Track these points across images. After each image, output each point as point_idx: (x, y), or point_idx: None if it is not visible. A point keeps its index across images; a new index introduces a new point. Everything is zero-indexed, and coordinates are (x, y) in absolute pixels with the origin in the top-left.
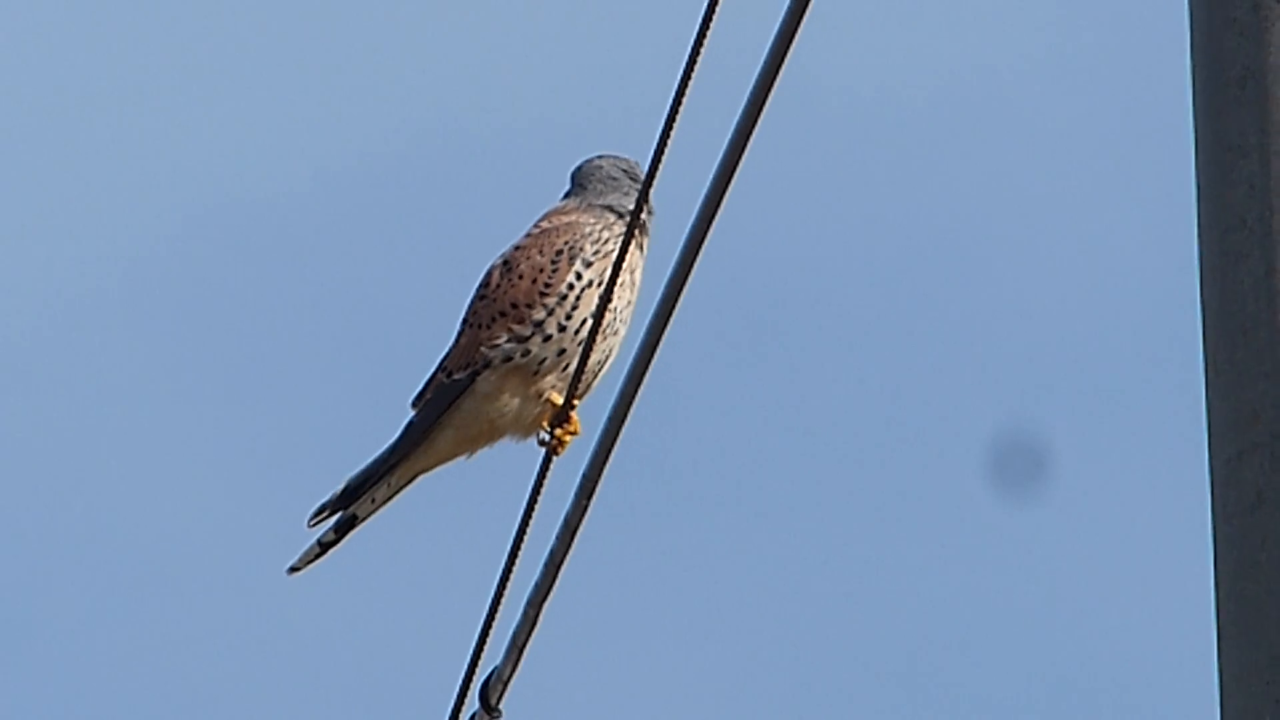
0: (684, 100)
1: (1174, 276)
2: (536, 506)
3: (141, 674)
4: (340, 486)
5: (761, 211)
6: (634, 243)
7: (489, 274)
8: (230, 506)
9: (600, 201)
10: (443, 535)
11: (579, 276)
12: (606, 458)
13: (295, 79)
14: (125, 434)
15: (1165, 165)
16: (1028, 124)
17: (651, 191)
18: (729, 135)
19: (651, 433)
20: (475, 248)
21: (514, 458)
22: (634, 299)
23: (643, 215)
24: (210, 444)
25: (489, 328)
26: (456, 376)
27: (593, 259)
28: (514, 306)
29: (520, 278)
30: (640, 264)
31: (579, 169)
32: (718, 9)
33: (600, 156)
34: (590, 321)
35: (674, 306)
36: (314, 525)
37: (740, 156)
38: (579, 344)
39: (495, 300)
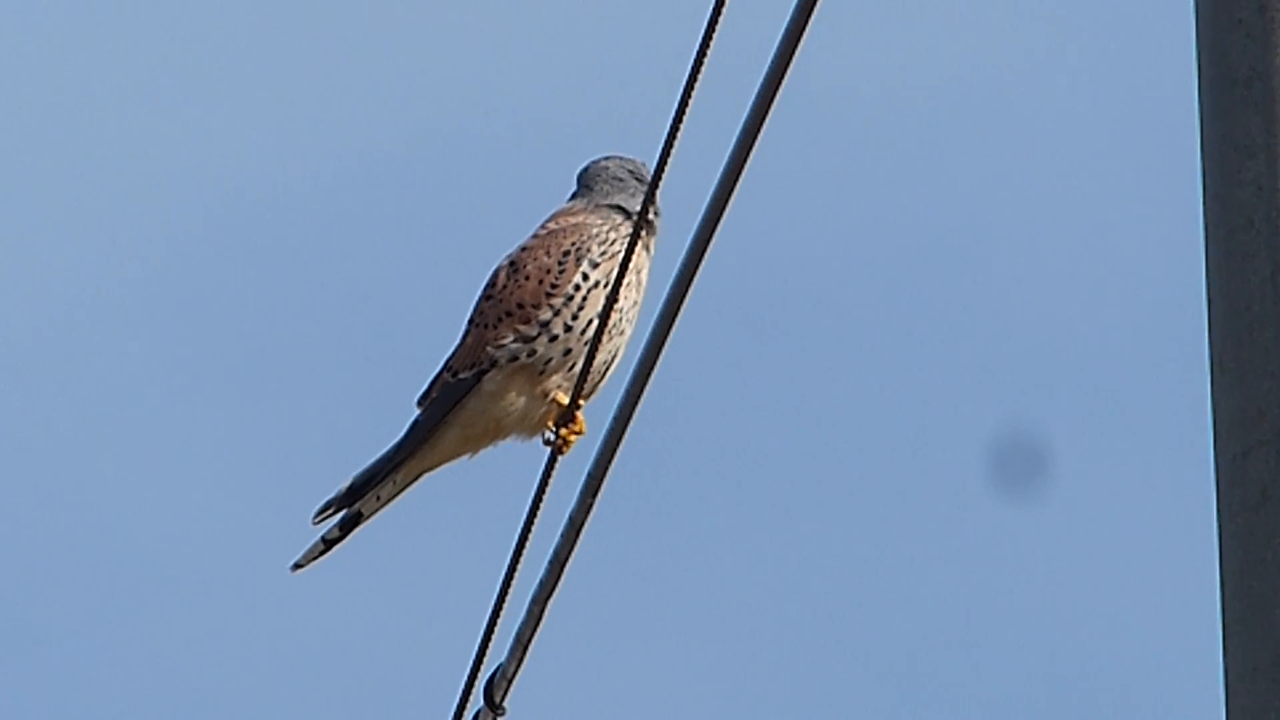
0: (690, 101)
1: (1180, 276)
2: (541, 505)
3: (146, 671)
4: (345, 484)
5: (766, 212)
6: (640, 243)
7: (495, 274)
8: (235, 503)
9: (607, 202)
10: (447, 533)
11: (585, 277)
12: (611, 457)
13: (302, 79)
14: (131, 431)
15: (1171, 166)
16: (1033, 124)
17: (658, 192)
18: (735, 136)
19: (656, 433)
20: (482, 248)
21: (519, 457)
22: (640, 299)
23: (649, 216)
24: (216, 441)
25: (495, 328)
26: (462, 376)
27: (599, 260)
28: (520, 307)
29: (527, 278)
30: (646, 265)
31: (585, 170)
32: (724, 10)
33: (607, 157)
34: (596, 322)
35: (679, 307)
36: (318, 522)
37: (746, 158)
38: (585, 344)
39: (502, 300)
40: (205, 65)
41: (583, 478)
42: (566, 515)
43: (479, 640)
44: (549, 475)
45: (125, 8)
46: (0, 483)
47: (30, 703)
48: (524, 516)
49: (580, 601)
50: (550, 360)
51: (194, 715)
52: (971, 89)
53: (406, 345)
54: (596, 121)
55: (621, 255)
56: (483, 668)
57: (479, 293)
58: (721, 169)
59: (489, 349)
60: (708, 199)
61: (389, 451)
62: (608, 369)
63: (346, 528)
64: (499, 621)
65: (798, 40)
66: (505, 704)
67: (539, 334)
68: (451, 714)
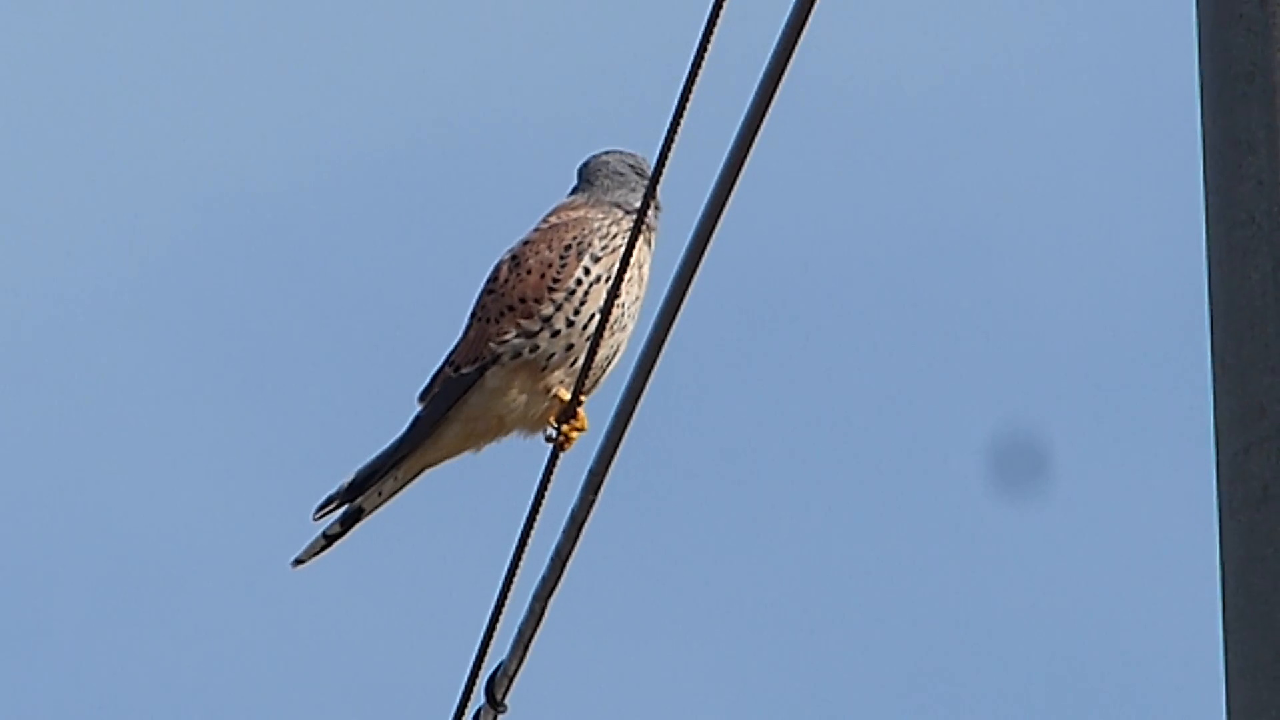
0: (691, 96)
1: (1181, 272)
2: (543, 501)
3: (147, 669)
4: (346, 480)
5: (767, 208)
6: (641, 238)
7: (497, 269)
8: (236, 499)
9: (608, 197)
10: (449, 529)
11: (587, 271)
12: (613, 453)
13: (301, 76)
14: (132, 428)
15: (1173, 161)
16: (1034, 120)
17: (659, 187)
18: (735, 131)
19: (658, 429)
20: (483, 243)
21: (521, 453)
22: (642, 294)
23: (650, 211)
24: (217, 437)
25: (497, 322)
26: (464, 371)
27: (601, 254)
28: (522, 301)
29: (528, 273)
30: (648, 259)
31: (586, 164)
32: (725, 5)
33: (607, 152)
34: (598, 317)
35: (681, 302)
36: (320, 518)
37: (747, 152)
38: (587, 339)
39: (503, 295)
40: (205, 65)
41: (584, 474)
42: (568, 512)
43: (480, 637)
44: (551, 471)
45: (125, 8)
46: (1, 481)
47: (32, 702)
48: (526, 513)
49: (582, 599)
50: (552, 355)
51: (196, 712)
52: (972, 84)
53: (408, 340)
54: (597, 116)
55: (623, 250)
56: (484, 665)
57: (481, 287)
58: (722, 164)
59: (491, 344)
60: (708, 194)
61: (390, 447)
62: (609, 364)
63: (348, 523)
64: (500, 618)
65: (798, 35)
66: (507, 701)
67: (541, 329)
68: (453, 711)
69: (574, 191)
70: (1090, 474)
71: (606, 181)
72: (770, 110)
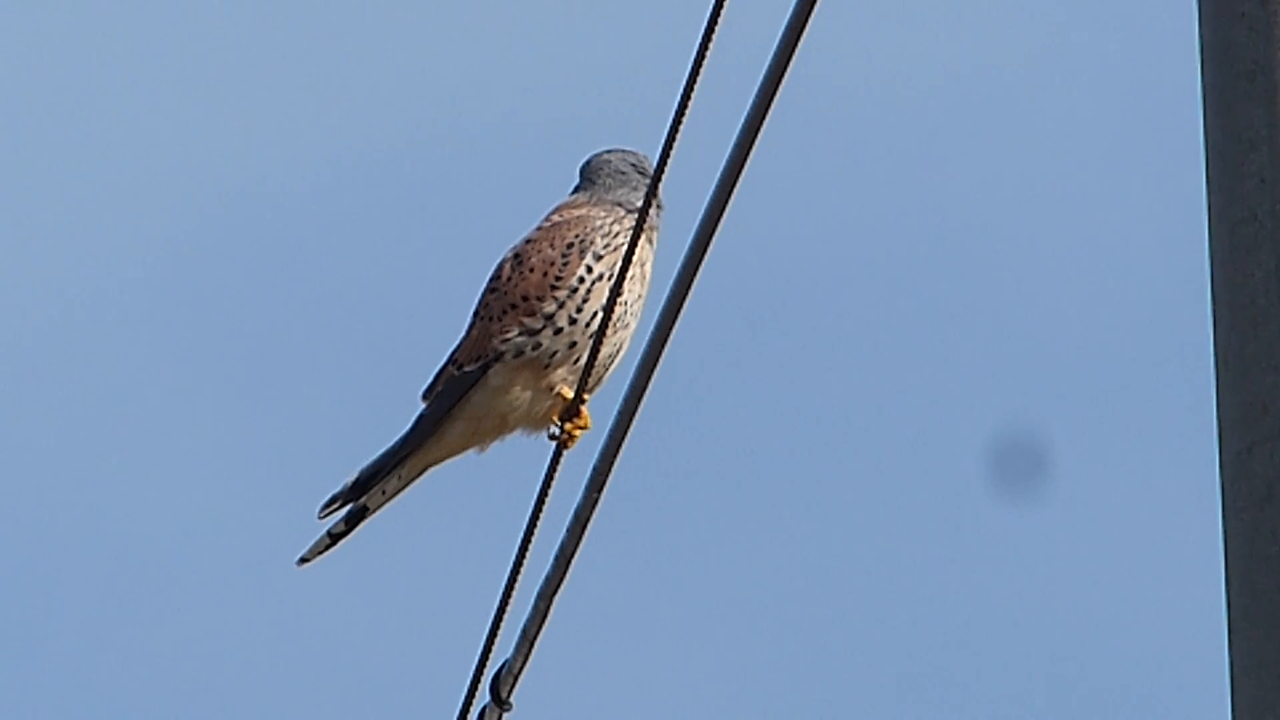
0: (692, 95)
1: (1184, 270)
2: (547, 500)
3: (151, 667)
4: (351, 478)
5: (769, 206)
6: (644, 236)
7: (500, 267)
8: (241, 498)
9: (610, 196)
10: (453, 528)
11: (589, 270)
12: (617, 451)
13: (303, 76)
14: (135, 427)
15: (1175, 159)
16: (1035, 119)
17: (660, 186)
18: (737, 130)
19: (661, 427)
20: (486, 241)
21: (524, 451)
22: (644, 293)
23: (652, 209)
24: (221, 437)
25: (500, 320)
26: (467, 369)
27: (603, 252)
28: (525, 299)
29: (531, 271)
30: (650, 258)
31: (588, 163)
32: (726, 4)
33: (610, 151)
34: (601, 315)
35: (683, 301)
36: (324, 516)
37: (749, 151)
38: (590, 337)
39: (506, 293)
40: (207, 65)
41: (588, 472)
42: (572, 510)
43: (485, 635)
44: (554, 470)
45: (127, 8)
46: (2, 481)
47: (35, 701)
48: (529, 511)
49: (586, 597)
50: (555, 354)
51: (200, 711)
52: (974, 83)
53: (411, 339)
54: (599, 115)
55: (625, 248)
56: (489, 663)
57: (483, 286)
58: (724, 162)
59: (494, 342)
60: (711, 192)
61: (394, 445)
62: (612, 362)
63: (352, 522)
64: (505, 617)
65: (800, 34)
66: (511, 699)
67: (543, 327)
68: (458, 709)
69: (576, 190)
70: (1093, 473)
71: (608, 180)
72: (772, 109)
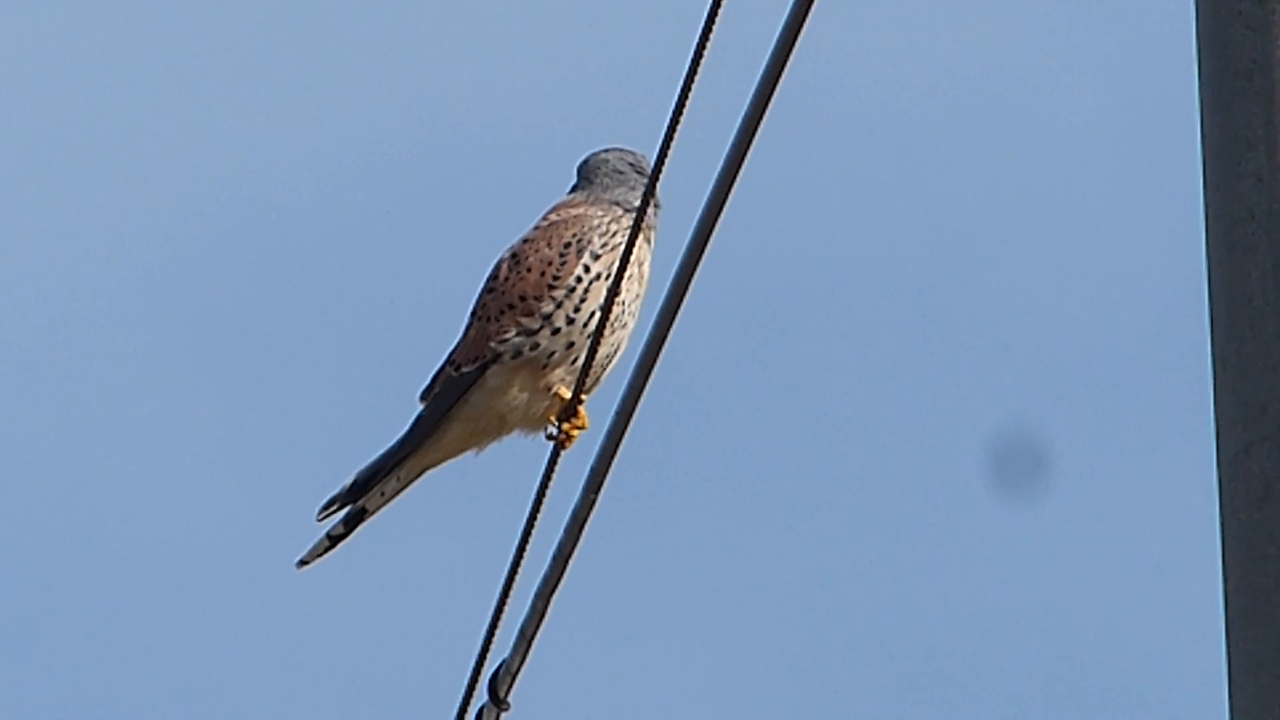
0: (690, 94)
1: (1181, 270)
2: (545, 500)
3: (151, 668)
4: (349, 480)
5: (767, 206)
6: (642, 236)
7: (497, 267)
8: (239, 500)
9: (607, 195)
10: (451, 528)
11: (587, 269)
12: (614, 451)
13: (303, 77)
14: (134, 429)
15: (1172, 158)
16: (1033, 118)
17: (658, 185)
18: (735, 129)
19: (659, 427)
20: (483, 241)
21: (522, 452)
22: (642, 292)
23: (650, 209)
24: (219, 438)
25: (497, 320)
26: (465, 370)
27: (600, 252)
28: (522, 299)
29: (528, 271)
30: (648, 257)
31: (586, 162)
32: (723, 4)
33: (607, 150)
34: (598, 314)
35: (681, 300)
36: (323, 519)
37: (747, 150)
38: (587, 337)
39: (503, 293)
40: (205, 67)
41: (585, 472)
42: (570, 510)
43: (483, 635)
44: (552, 470)
45: (128, 9)
46: (3, 481)
47: (35, 701)
48: (527, 511)
49: (584, 596)
50: (553, 353)
51: (200, 712)
52: (971, 83)
53: (409, 340)
54: (597, 115)
55: (623, 248)
56: (487, 663)
57: (481, 286)
58: (722, 161)
59: (492, 342)
60: (708, 192)
61: (392, 447)
62: (610, 362)
63: (351, 524)
64: (503, 617)
65: (798, 32)
66: (510, 699)
67: (541, 327)
68: (456, 709)
69: (574, 189)
70: (1091, 473)
71: (606, 179)
72: (770, 109)
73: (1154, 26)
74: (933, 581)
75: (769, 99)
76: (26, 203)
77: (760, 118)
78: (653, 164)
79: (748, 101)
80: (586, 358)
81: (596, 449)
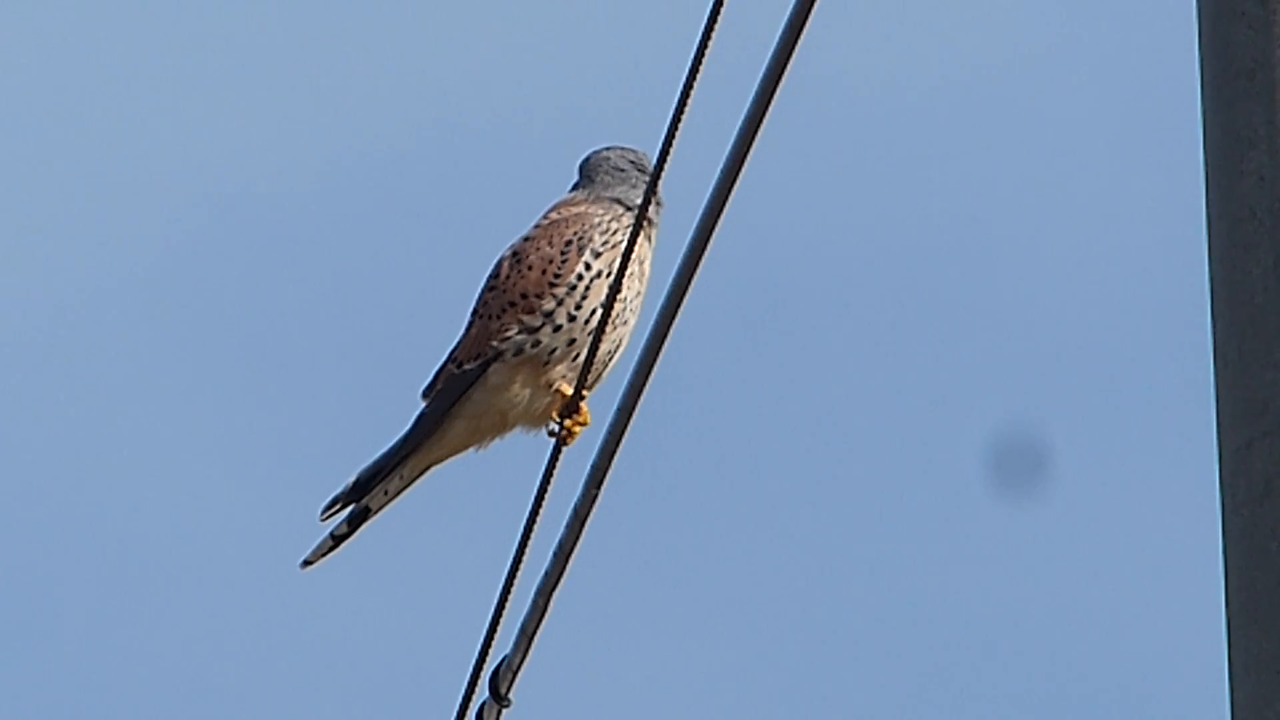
0: (692, 92)
1: (1183, 267)
2: (546, 496)
3: (154, 668)
4: (352, 479)
5: (768, 204)
6: (642, 233)
7: (498, 265)
8: (242, 501)
9: (608, 193)
10: (453, 525)
11: (588, 267)
12: (616, 448)
13: (303, 75)
14: (136, 429)
15: (1174, 157)
16: (1034, 117)
17: (659, 183)
18: (737, 127)
19: (660, 423)
20: (485, 240)
21: (524, 448)
22: (643, 290)
23: (651, 206)
24: (222, 438)
25: (499, 318)
26: (467, 367)
27: (601, 249)
28: (524, 297)
29: (530, 268)
30: (649, 255)
31: (587, 160)
32: (725, 1)
33: (608, 148)
34: (600, 312)
35: (682, 298)
36: (326, 518)
37: (748, 149)
38: (589, 334)
39: (505, 291)
40: (204, 66)
41: (587, 469)
42: (571, 506)
43: (484, 632)
44: (553, 466)
45: (127, 8)
46: (6, 481)
47: (36, 701)
48: (528, 508)
49: (585, 593)
50: (554, 351)
51: (204, 711)
52: (973, 81)
53: (410, 338)
54: (599, 112)
55: (624, 245)
56: (488, 659)
57: (482, 284)
58: (724, 159)
59: (493, 340)
60: (710, 189)
61: (395, 445)
62: (611, 359)
63: (355, 523)
64: (504, 613)
65: (800, 30)
66: (510, 695)
67: (542, 324)
68: (457, 706)
69: (575, 187)
70: (1093, 471)
71: (607, 177)
72: (771, 107)
73: (1156, 25)
74: (933, 581)
75: (771, 96)
76: (26, 201)
77: (762, 115)
78: (654, 162)
79: (749, 99)
80: (588, 355)
81: (598, 445)
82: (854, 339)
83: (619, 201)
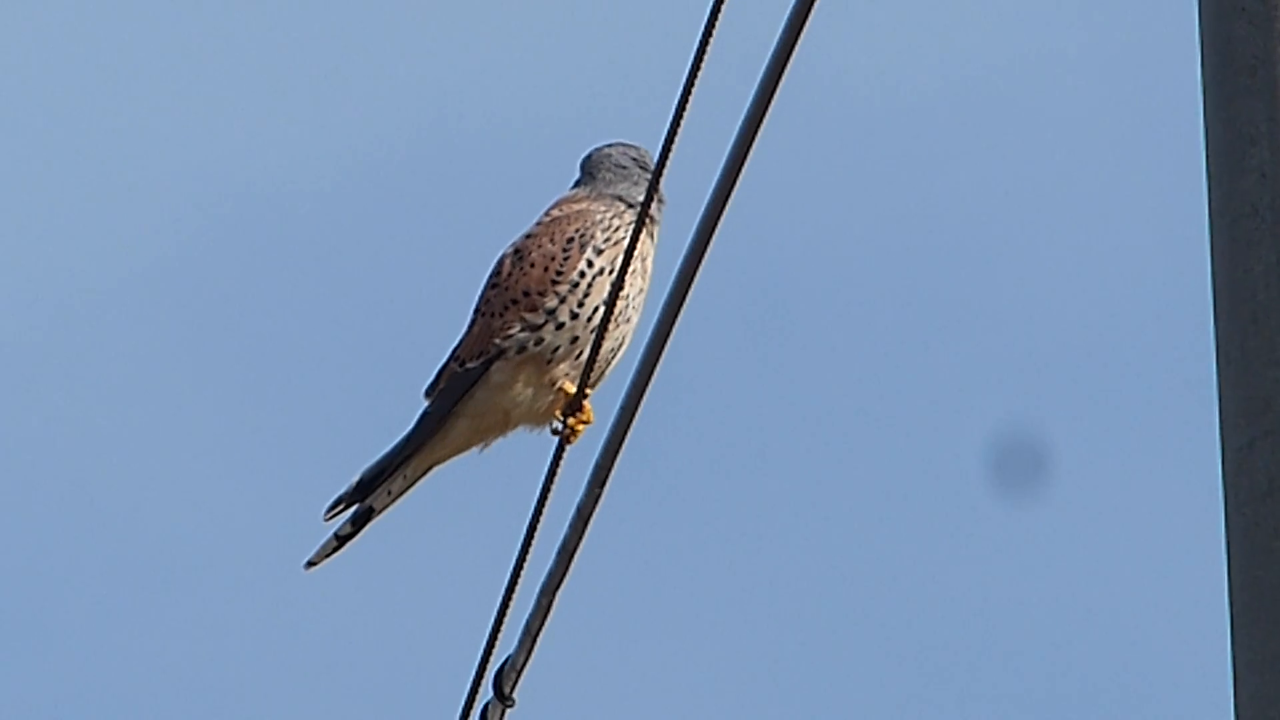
0: (694, 89)
1: (1185, 265)
2: (550, 495)
3: (157, 668)
4: (355, 479)
5: (771, 202)
6: (645, 231)
7: (500, 262)
8: (246, 501)
9: (610, 190)
10: (457, 525)
11: (590, 264)
12: (619, 446)
13: (304, 74)
14: (139, 428)
15: (1176, 154)
16: (1035, 115)
17: (662, 180)
18: (739, 124)
19: (663, 422)
20: (486, 237)
21: (527, 447)
22: (645, 287)
23: (653, 203)
24: (224, 438)
25: (501, 316)
26: (470, 366)
27: (604, 246)
28: (526, 294)
29: (532, 266)
30: (651, 252)
31: (589, 157)
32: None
33: (610, 145)
34: (602, 309)
35: (685, 295)
36: (330, 518)
37: (750, 147)
38: (591, 332)
39: (507, 289)
40: (207, 65)
41: (590, 467)
42: (574, 505)
43: (488, 631)
44: (557, 465)
45: (129, 7)
46: (8, 481)
47: (41, 701)
48: (532, 507)
49: (589, 592)
50: (557, 348)
51: (207, 711)
52: (974, 79)
53: (413, 337)
54: (600, 109)
55: (626, 242)
56: (492, 659)
57: (484, 282)
58: (726, 156)
59: (496, 338)
60: (712, 187)
61: (398, 444)
62: (614, 357)
63: (359, 523)
64: (508, 613)
65: (800, 30)
66: (514, 695)
67: (545, 322)
68: (461, 705)
69: (576, 185)
70: (1094, 470)
71: (609, 174)
72: (772, 105)
73: (1157, 23)
74: (934, 580)
75: (772, 95)
76: (28, 200)
77: (763, 113)
78: (656, 159)
79: (751, 97)
80: (591, 352)
81: (601, 444)
82: (855, 337)
83: (621, 199)
